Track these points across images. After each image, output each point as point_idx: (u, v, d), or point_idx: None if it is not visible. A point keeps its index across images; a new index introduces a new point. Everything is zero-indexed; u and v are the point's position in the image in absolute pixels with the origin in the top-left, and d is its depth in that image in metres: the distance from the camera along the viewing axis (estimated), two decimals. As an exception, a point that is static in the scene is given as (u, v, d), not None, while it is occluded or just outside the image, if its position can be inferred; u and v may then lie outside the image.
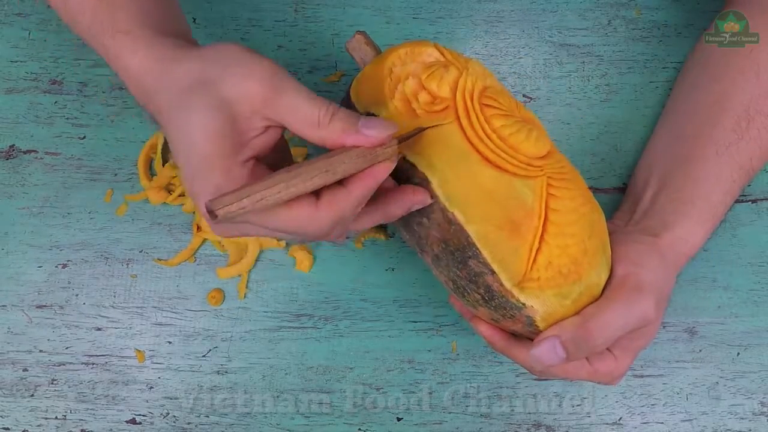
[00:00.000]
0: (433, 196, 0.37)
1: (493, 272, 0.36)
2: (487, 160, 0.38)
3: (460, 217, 0.36)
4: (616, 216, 0.49)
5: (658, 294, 0.39)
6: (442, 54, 0.41)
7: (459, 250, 0.37)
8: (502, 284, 0.36)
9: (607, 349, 0.41)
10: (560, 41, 0.58)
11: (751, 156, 0.46)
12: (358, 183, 0.33)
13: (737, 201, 0.53)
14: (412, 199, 0.36)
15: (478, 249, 0.36)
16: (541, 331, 0.38)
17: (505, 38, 0.58)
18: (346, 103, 0.43)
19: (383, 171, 0.33)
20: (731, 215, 0.53)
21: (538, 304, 0.37)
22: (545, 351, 0.37)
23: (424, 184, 0.37)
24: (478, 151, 0.38)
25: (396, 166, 0.35)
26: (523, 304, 0.37)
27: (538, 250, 0.37)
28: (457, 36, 0.58)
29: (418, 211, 0.38)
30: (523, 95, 0.56)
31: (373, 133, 0.32)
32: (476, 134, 0.38)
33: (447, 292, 0.51)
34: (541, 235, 0.37)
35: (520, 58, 0.57)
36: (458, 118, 0.38)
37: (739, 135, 0.46)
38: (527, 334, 0.39)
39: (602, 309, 0.38)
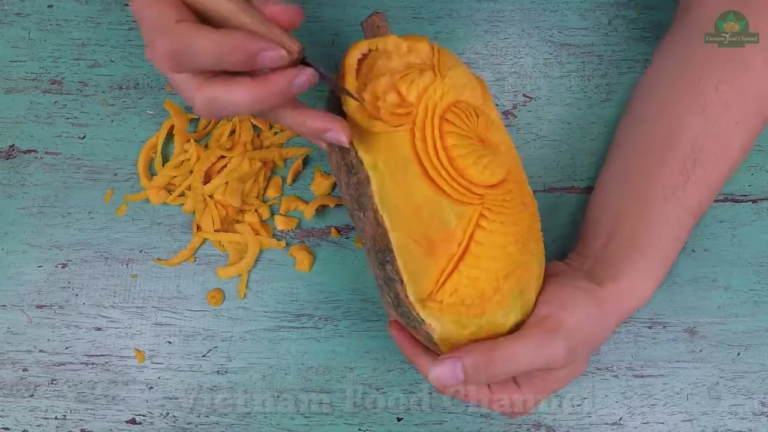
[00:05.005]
0: (370, 195, 0.38)
1: (401, 282, 0.37)
2: (427, 175, 0.38)
3: (387, 223, 0.37)
4: (570, 257, 0.47)
5: (578, 341, 0.39)
6: (434, 52, 0.41)
7: (381, 252, 0.38)
8: (407, 296, 0.37)
9: (515, 381, 0.41)
10: (560, 41, 0.58)
11: (700, 200, 0.45)
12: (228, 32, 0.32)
13: (737, 201, 0.53)
14: (293, 75, 0.34)
15: (394, 256, 0.37)
16: (440, 349, 0.39)
17: (505, 38, 0.58)
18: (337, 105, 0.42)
19: (268, 53, 0.32)
20: (731, 215, 0.53)
21: (436, 325, 0.37)
22: (445, 371, 0.37)
23: (366, 182, 0.38)
24: (421, 163, 0.38)
25: (348, 158, 0.39)
26: (423, 321, 0.37)
27: (449, 275, 0.37)
28: (457, 36, 0.58)
29: (358, 204, 0.39)
30: (523, 95, 0.56)
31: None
32: (425, 147, 0.38)
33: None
34: (457, 263, 0.38)
35: (521, 57, 0.57)
36: (414, 126, 0.39)
37: (685, 177, 0.44)
38: (431, 348, 0.40)
39: (511, 341, 0.38)
